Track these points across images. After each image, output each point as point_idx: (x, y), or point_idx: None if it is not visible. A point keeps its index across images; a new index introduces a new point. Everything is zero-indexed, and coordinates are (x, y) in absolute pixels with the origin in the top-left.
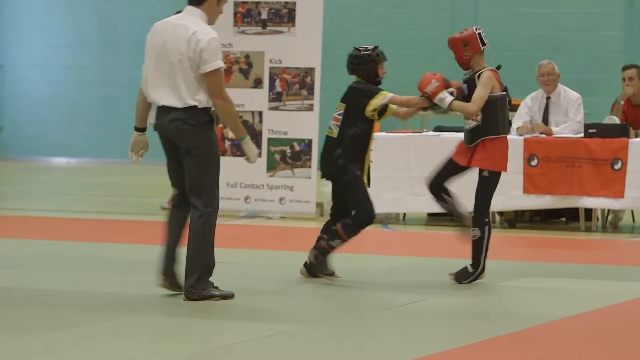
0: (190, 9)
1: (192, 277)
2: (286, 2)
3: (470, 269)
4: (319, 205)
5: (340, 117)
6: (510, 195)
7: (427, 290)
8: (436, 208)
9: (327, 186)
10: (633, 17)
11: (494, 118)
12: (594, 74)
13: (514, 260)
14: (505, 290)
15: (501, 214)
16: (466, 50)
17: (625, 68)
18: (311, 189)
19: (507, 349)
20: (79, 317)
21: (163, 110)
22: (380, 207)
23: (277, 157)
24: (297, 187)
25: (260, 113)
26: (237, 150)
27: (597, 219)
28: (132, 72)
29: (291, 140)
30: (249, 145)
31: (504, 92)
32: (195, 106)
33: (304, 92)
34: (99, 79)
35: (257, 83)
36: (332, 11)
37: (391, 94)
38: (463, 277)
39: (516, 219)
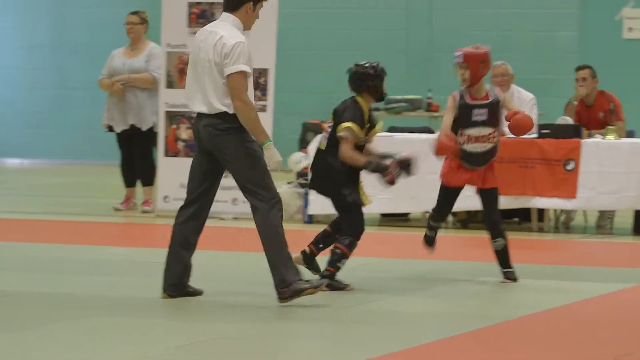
0: (225, 15)
1: (277, 277)
2: None
3: (511, 268)
4: None
5: (330, 130)
6: (463, 195)
7: (380, 290)
8: (388, 209)
9: (280, 187)
10: (587, 17)
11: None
12: (548, 74)
13: (467, 260)
14: (458, 291)
15: (454, 214)
16: (482, 67)
17: (578, 69)
18: None
19: (460, 349)
20: (38, 318)
21: (198, 116)
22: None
23: None
24: None
25: None
26: (191, 151)
27: (550, 219)
28: (85, 73)
29: None
30: (269, 150)
31: None
32: (225, 112)
33: (258, 93)
34: (51, 81)
35: None
36: (287, 12)
37: (348, 134)
38: (513, 275)
39: (469, 220)
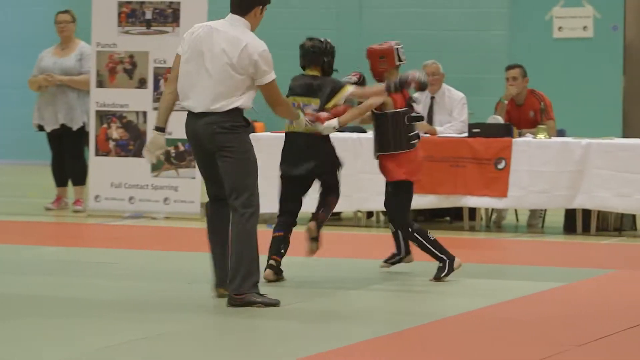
0: (235, 17)
1: (235, 282)
2: (170, 2)
3: (440, 264)
4: (203, 205)
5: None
6: None
7: (311, 290)
8: None
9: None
10: (517, 16)
11: (386, 136)
12: (478, 73)
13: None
14: (388, 290)
15: (385, 213)
16: (382, 62)
17: (508, 68)
18: (195, 189)
19: (390, 348)
20: None
21: (195, 116)
22: (265, 207)
23: (162, 157)
24: (182, 187)
25: (144, 113)
26: (122, 150)
27: (481, 218)
28: (15, 72)
29: (176, 140)
30: (301, 120)
31: (401, 109)
32: (233, 110)
33: None
34: None
35: (142, 83)
36: (216, 11)
37: (352, 87)
38: (440, 273)
39: None
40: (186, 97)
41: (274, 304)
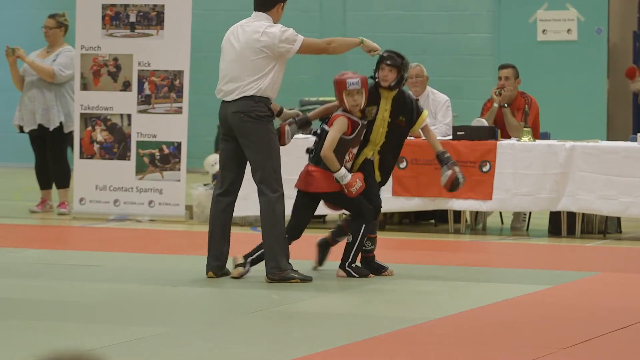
0: (258, 13)
1: (272, 260)
2: (155, 5)
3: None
4: (188, 208)
5: None
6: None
7: (296, 292)
8: None
9: (197, 189)
10: (501, 19)
11: None
12: (463, 76)
13: (383, 262)
14: (373, 293)
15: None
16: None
17: (501, 67)
18: (180, 192)
19: (374, 351)
20: None
21: (226, 102)
22: (249, 209)
23: (146, 160)
24: (166, 190)
25: (129, 116)
26: (106, 153)
27: (466, 221)
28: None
29: (160, 143)
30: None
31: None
32: (258, 98)
33: (173, 95)
34: None
35: (126, 86)
36: (199, 14)
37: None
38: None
39: (385, 221)
40: (220, 90)
41: (308, 279)
